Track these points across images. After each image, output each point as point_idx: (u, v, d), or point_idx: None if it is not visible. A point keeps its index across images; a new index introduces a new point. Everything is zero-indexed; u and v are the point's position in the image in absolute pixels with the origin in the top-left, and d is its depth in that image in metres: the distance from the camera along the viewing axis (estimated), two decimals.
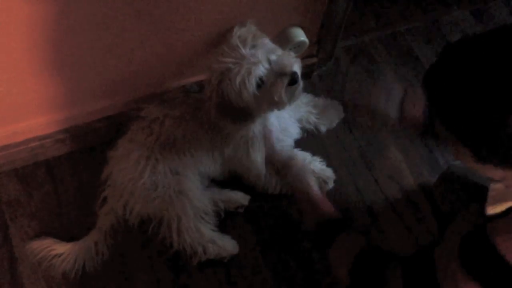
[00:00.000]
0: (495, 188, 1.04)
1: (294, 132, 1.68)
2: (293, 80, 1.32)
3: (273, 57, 1.34)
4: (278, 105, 1.36)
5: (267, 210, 1.70)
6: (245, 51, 1.30)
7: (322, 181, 1.67)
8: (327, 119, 1.81)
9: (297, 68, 1.34)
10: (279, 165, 1.42)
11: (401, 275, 1.09)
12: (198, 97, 1.55)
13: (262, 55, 1.31)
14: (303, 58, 1.82)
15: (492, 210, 1.02)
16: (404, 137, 1.82)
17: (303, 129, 1.77)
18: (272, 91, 1.32)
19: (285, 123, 1.61)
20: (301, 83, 1.36)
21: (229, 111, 1.37)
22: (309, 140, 1.79)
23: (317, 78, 1.93)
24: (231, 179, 1.68)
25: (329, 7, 1.62)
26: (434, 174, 1.72)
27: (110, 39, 1.40)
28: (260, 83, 1.32)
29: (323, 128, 1.80)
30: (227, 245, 1.60)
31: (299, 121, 1.74)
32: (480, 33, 0.89)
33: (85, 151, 1.75)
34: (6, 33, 1.26)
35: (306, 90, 1.82)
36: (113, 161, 1.57)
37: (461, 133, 0.89)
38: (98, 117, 1.67)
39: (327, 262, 1.53)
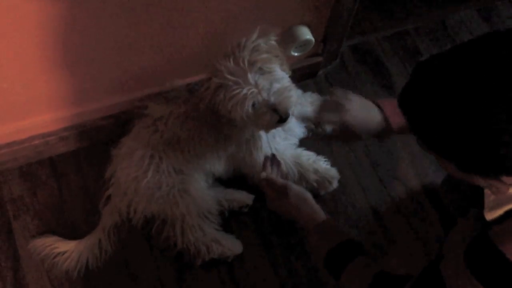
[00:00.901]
0: (489, 194, 1.03)
1: (299, 131, 1.67)
2: (281, 120, 1.31)
3: (276, 87, 1.31)
4: (260, 130, 1.40)
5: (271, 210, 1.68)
6: (250, 75, 1.28)
7: (326, 181, 1.66)
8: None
9: (292, 110, 1.33)
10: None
11: None
12: (202, 96, 1.53)
13: (264, 85, 1.29)
14: (308, 57, 1.82)
15: (491, 215, 1.01)
16: (410, 137, 1.81)
17: (308, 128, 1.76)
18: (258, 119, 1.31)
19: (289, 123, 1.59)
20: (290, 120, 1.34)
21: (218, 118, 1.37)
22: (313, 139, 1.77)
23: (322, 77, 1.92)
24: (236, 178, 1.67)
25: (336, 5, 1.60)
26: (440, 175, 1.70)
27: (117, 36, 1.40)
28: (252, 107, 1.30)
29: (328, 128, 1.79)
30: (231, 245, 1.59)
31: (304, 120, 1.73)
32: (452, 47, 0.88)
33: (89, 149, 1.74)
34: (13, 30, 1.25)
35: (311, 89, 1.83)
36: (117, 160, 1.56)
37: (440, 151, 0.90)
38: (103, 115, 1.67)
39: None
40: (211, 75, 1.33)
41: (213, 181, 1.66)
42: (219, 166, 1.59)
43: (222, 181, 1.68)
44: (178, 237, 1.55)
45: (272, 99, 1.30)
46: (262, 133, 1.49)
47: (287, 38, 1.64)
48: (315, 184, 1.64)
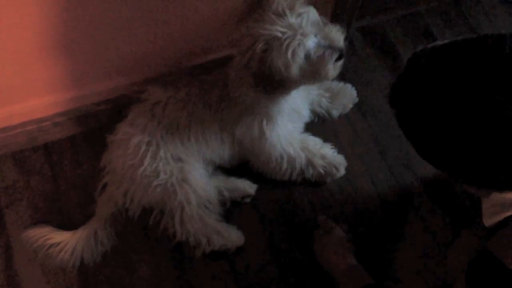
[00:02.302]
0: (486, 201, 1.00)
1: (305, 114, 1.59)
2: (340, 56, 1.28)
3: (320, 29, 1.27)
4: (321, 79, 1.31)
5: (276, 199, 1.61)
6: (293, 20, 1.22)
7: (333, 168, 1.59)
8: (340, 104, 1.71)
9: (344, 43, 1.30)
10: None
11: None
12: (204, 79, 1.46)
13: (310, 27, 1.24)
14: None
15: (490, 221, 0.99)
16: None
17: (314, 113, 1.69)
18: (319, 65, 1.26)
19: (296, 105, 1.51)
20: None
21: (268, 81, 1.28)
22: (320, 124, 1.70)
23: None
24: (238, 166, 1.59)
25: None
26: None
27: (114, 15, 1.32)
28: (307, 56, 1.25)
29: (335, 113, 1.71)
30: (232, 236, 1.52)
31: (310, 104, 1.66)
32: (448, 43, 0.85)
33: (85, 135, 1.67)
34: (5, 11, 1.18)
35: None
36: (113, 147, 1.48)
37: (431, 162, 0.89)
38: (99, 99, 1.59)
39: None
40: (248, 41, 1.25)
41: (214, 169, 1.59)
42: (221, 153, 1.51)
43: (223, 169, 1.61)
44: (177, 228, 1.48)
45: (323, 40, 1.27)
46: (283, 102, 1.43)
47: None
48: (321, 171, 1.57)
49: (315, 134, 1.61)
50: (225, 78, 1.40)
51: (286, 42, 1.21)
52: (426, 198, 1.60)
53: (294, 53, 1.22)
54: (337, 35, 1.29)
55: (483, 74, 0.77)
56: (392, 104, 0.94)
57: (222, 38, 1.55)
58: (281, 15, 1.23)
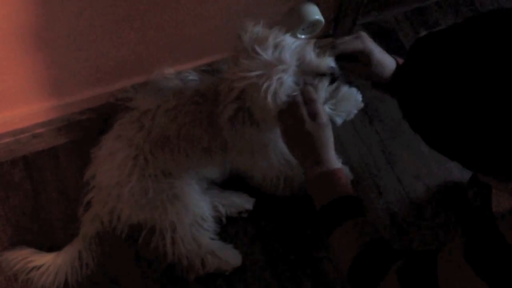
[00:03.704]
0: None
1: None
2: (333, 79, 1.13)
3: (302, 55, 1.10)
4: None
5: (275, 215, 1.49)
6: (268, 55, 1.07)
7: None
8: (344, 110, 1.57)
9: (332, 60, 1.12)
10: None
11: (396, 270, 0.94)
12: (196, 88, 1.34)
13: (290, 57, 1.07)
14: (317, 38, 1.59)
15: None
16: None
17: None
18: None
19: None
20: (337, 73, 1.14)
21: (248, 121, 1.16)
22: None
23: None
24: (233, 179, 1.46)
25: None
26: (466, 172, 1.48)
27: (98, 18, 1.20)
28: (292, 94, 1.10)
29: (338, 120, 1.57)
30: (229, 257, 1.41)
31: None
32: (453, 25, 0.78)
33: (67, 147, 1.55)
34: None
35: None
36: (97, 161, 1.36)
37: (442, 151, 0.83)
38: (81, 108, 1.47)
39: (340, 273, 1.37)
40: (225, 89, 1.14)
41: (208, 183, 1.46)
42: (213, 169, 1.39)
43: (218, 183, 1.48)
44: (168, 249, 1.36)
45: (306, 66, 1.10)
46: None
47: (293, 19, 1.43)
48: (302, 184, 1.44)
49: None
50: (216, 96, 1.27)
51: (264, 86, 1.06)
52: None
53: (275, 96, 1.07)
54: (320, 58, 1.12)
55: (492, 52, 0.71)
56: (395, 93, 0.87)
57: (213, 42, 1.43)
58: (255, 53, 1.08)
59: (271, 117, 1.13)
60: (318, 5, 1.45)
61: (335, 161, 1.11)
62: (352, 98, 1.59)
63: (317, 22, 1.45)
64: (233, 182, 1.47)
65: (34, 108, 1.41)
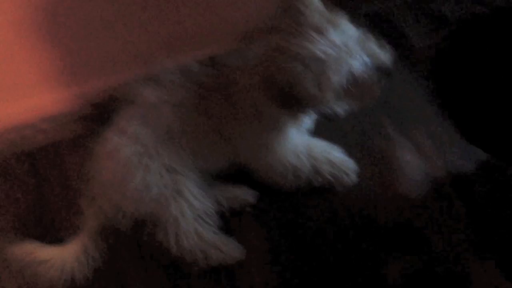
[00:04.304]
0: None
1: (311, 115, 1.45)
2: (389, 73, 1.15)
3: (364, 47, 1.12)
4: (364, 103, 1.20)
5: (280, 208, 1.50)
6: (337, 37, 1.07)
7: (343, 174, 1.47)
8: (346, 100, 1.57)
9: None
10: None
11: None
12: (202, 82, 1.33)
13: (355, 46, 1.09)
14: None
15: None
16: (432, 120, 1.59)
17: (318, 112, 1.55)
18: (365, 88, 1.15)
19: None
20: None
21: (295, 101, 1.14)
22: (325, 125, 1.56)
23: None
24: (237, 173, 1.47)
25: None
26: (471, 164, 1.48)
27: (102, 9, 1.19)
28: (352, 80, 1.12)
29: (341, 111, 1.57)
30: (232, 251, 1.42)
31: None
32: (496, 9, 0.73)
33: (72, 142, 1.55)
34: None
35: None
36: (101, 157, 1.36)
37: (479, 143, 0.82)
38: (85, 102, 1.47)
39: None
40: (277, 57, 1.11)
41: (211, 177, 1.47)
42: (219, 163, 1.40)
43: (221, 176, 1.48)
44: (172, 244, 1.37)
45: (370, 58, 1.12)
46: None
47: (291, 10, 1.41)
48: (330, 178, 1.45)
49: (321, 135, 1.48)
50: (229, 84, 1.27)
51: (330, 64, 1.07)
52: None
53: (337, 77, 1.08)
54: (384, 53, 1.15)
55: None
56: (435, 77, 0.84)
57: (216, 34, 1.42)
58: (321, 31, 1.08)
59: (321, 98, 1.13)
60: None
61: None
62: None
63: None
64: (237, 175, 1.48)
65: (38, 103, 1.41)
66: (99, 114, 1.48)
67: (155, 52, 1.42)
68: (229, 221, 1.47)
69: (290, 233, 1.47)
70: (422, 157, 1.55)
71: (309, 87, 1.10)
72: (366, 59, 1.12)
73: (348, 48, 1.08)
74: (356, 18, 1.62)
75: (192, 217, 1.36)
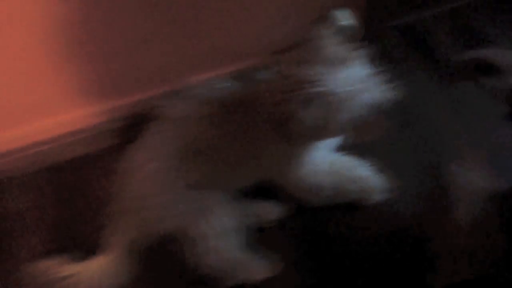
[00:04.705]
0: None
1: None
2: None
3: (372, 82, 1.10)
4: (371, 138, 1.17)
5: (307, 223, 1.47)
6: (347, 73, 1.06)
7: (367, 193, 1.43)
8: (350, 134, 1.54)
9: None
10: None
11: None
12: (229, 96, 1.32)
13: (365, 81, 1.07)
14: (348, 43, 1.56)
15: None
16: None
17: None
18: (374, 125, 1.12)
19: None
20: None
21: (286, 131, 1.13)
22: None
23: None
24: (263, 187, 1.44)
25: None
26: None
27: (128, 28, 1.19)
28: (359, 116, 1.09)
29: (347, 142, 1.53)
30: (259, 268, 1.39)
31: None
32: None
33: (94, 156, 1.55)
34: (14, 25, 1.07)
35: None
36: (127, 172, 1.35)
37: None
38: (110, 117, 1.47)
39: None
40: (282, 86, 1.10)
41: (237, 192, 1.45)
42: (243, 180, 1.38)
43: (246, 191, 1.46)
44: (197, 261, 1.35)
45: (378, 94, 1.09)
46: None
47: (323, 25, 1.39)
48: (354, 196, 1.42)
49: (349, 151, 1.44)
50: (253, 100, 1.25)
51: (333, 100, 1.05)
52: None
53: (338, 113, 1.06)
54: (390, 94, 1.12)
55: None
56: None
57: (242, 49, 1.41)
58: (332, 63, 1.06)
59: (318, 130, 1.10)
60: (347, 4, 1.41)
61: None
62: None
63: (349, 26, 1.42)
64: (261, 189, 1.45)
65: (64, 118, 1.41)
66: (125, 130, 1.47)
67: (181, 68, 1.41)
68: (256, 236, 1.43)
69: (317, 249, 1.44)
70: (478, 170, 1.51)
71: (307, 122, 1.08)
72: (372, 97, 1.09)
73: (355, 86, 1.05)
74: (385, 30, 1.64)
75: (218, 233, 1.34)
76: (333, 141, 1.40)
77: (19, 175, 1.51)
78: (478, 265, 1.36)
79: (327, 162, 1.38)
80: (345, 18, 1.40)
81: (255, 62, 1.48)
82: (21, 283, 1.41)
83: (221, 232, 1.34)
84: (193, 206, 1.31)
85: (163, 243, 1.38)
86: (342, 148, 1.43)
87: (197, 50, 1.38)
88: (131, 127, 1.44)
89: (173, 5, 1.22)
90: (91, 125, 1.46)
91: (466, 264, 1.37)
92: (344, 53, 1.09)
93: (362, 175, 1.42)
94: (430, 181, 1.50)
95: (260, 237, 1.45)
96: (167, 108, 1.35)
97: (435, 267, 1.36)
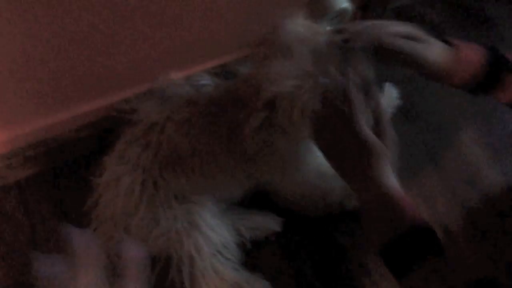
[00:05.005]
0: None
1: None
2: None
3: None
4: None
5: (308, 236, 1.30)
6: (308, 61, 0.90)
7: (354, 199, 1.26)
8: None
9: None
10: None
11: None
12: (211, 95, 1.14)
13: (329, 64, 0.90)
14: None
15: None
16: (481, 125, 1.39)
17: None
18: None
19: None
20: None
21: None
22: None
23: None
24: (257, 197, 1.27)
25: None
26: None
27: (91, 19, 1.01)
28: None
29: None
30: None
31: None
32: None
33: (64, 169, 1.35)
34: None
35: None
36: (99, 188, 1.17)
37: None
38: (79, 125, 1.28)
39: None
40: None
41: (227, 204, 1.27)
42: (233, 189, 1.20)
43: (238, 202, 1.28)
44: (186, 284, 1.17)
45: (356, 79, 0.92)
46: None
47: (317, 9, 1.23)
48: (342, 201, 1.25)
49: None
50: (241, 98, 1.07)
51: (301, 98, 0.90)
52: None
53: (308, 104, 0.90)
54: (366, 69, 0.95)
55: None
56: None
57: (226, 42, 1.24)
58: (290, 54, 0.91)
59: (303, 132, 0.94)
60: None
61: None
62: (385, 95, 1.39)
63: (344, 10, 1.25)
64: (256, 199, 1.27)
65: (24, 129, 1.22)
66: (96, 137, 1.29)
67: (159, 65, 1.24)
68: (252, 253, 1.26)
69: (320, 264, 1.27)
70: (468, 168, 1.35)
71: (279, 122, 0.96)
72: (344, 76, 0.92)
73: (327, 71, 0.90)
74: (383, 13, 1.47)
75: (209, 252, 1.16)
76: None
77: None
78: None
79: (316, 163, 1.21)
80: (339, 1, 1.23)
81: (237, 55, 1.32)
82: None
83: (211, 251, 1.16)
84: (178, 222, 1.13)
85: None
86: None
87: (174, 44, 1.21)
88: (102, 136, 1.25)
89: None
90: (54, 135, 1.27)
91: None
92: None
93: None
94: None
95: (258, 253, 1.27)
96: (142, 111, 1.18)
97: None
